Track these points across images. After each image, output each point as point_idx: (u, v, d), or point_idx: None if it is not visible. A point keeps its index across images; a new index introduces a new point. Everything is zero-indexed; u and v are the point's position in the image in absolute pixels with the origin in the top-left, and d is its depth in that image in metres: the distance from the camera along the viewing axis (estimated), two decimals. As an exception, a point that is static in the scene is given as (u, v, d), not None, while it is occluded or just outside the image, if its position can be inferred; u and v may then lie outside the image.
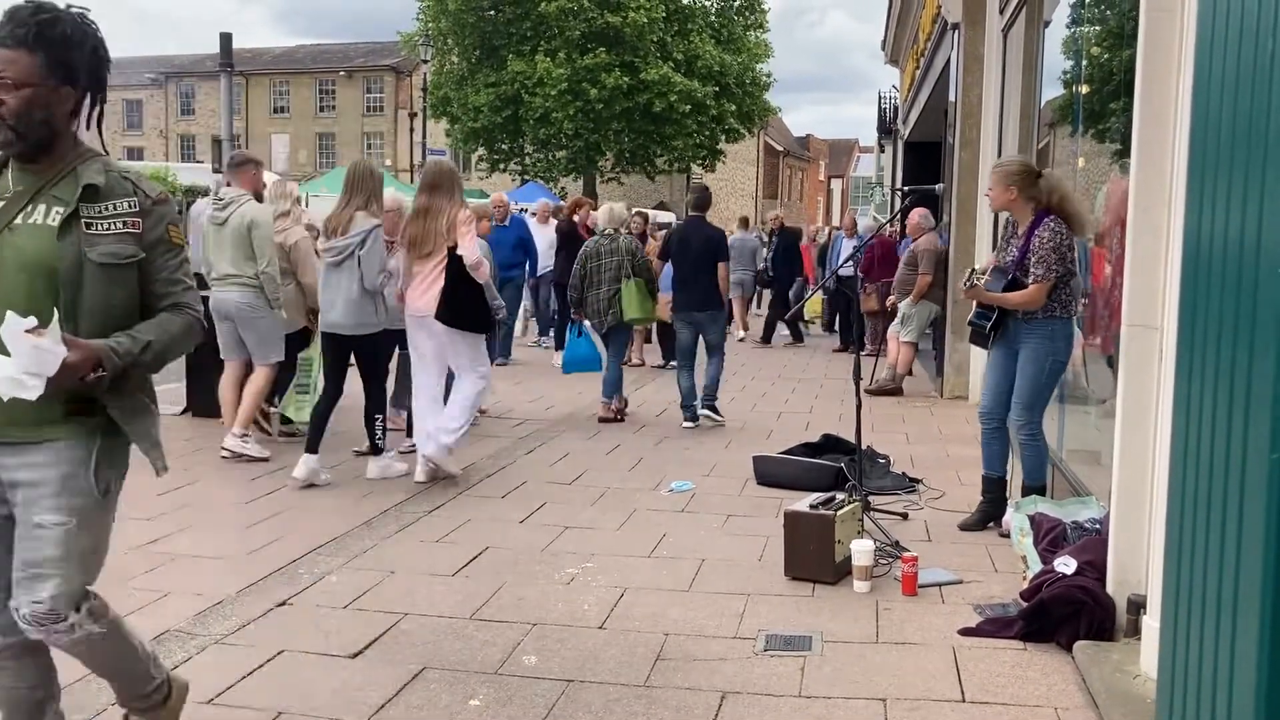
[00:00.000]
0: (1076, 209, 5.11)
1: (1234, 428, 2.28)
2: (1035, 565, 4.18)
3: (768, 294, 16.60)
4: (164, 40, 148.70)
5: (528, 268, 12.12)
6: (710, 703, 3.36)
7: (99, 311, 2.45)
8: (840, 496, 4.77)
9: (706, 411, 8.33)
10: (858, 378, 5.54)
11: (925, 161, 17.29)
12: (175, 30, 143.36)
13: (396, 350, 7.13)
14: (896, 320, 10.42)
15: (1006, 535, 4.99)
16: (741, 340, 14.80)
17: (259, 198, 6.93)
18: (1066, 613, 3.77)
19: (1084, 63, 6.23)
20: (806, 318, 16.67)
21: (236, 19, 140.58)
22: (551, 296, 13.09)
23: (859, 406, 5.54)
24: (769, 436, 7.84)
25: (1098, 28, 6.09)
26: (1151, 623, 3.37)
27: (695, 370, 8.40)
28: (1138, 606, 3.62)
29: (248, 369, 6.85)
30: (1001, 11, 8.84)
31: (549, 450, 7.20)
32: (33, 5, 2.39)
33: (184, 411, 7.97)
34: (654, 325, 11.39)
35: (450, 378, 6.46)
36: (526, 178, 36.09)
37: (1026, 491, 5.09)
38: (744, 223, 17.49)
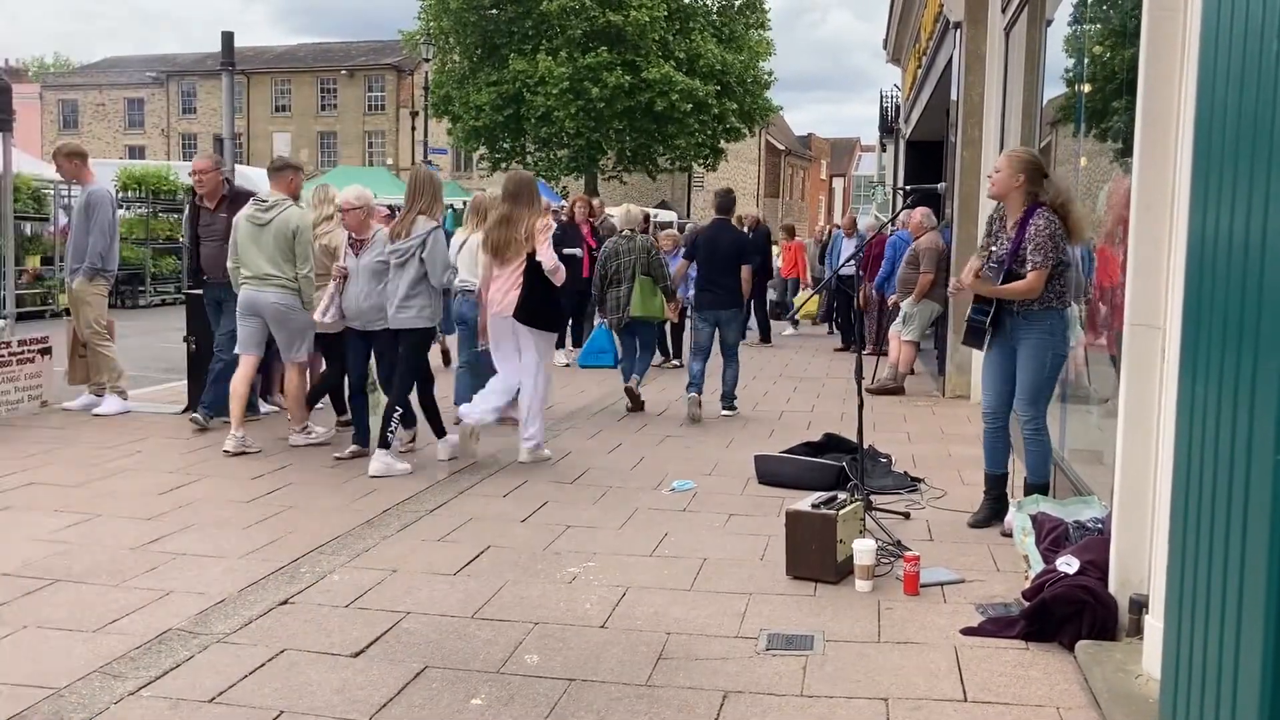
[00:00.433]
0: (1078, 217, 5.11)
1: (1238, 428, 2.28)
2: (1037, 565, 4.18)
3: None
4: (165, 39, 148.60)
5: None
6: (712, 702, 3.35)
7: None
8: (842, 496, 4.76)
9: (725, 413, 8.67)
10: (859, 377, 5.54)
11: (927, 160, 17.30)
12: (176, 29, 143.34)
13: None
14: (898, 319, 10.42)
15: (1009, 535, 4.99)
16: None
17: (295, 201, 7.16)
18: (1069, 612, 3.77)
19: (1086, 61, 6.23)
20: (798, 316, 16.68)
21: (238, 18, 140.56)
22: None
23: (861, 406, 5.53)
24: (771, 436, 7.84)
25: (1100, 26, 6.09)
26: (1154, 622, 3.37)
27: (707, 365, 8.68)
28: (1140, 606, 3.61)
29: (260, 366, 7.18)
30: (1004, 10, 8.83)
31: (550, 449, 7.20)
32: None
33: (185, 410, 7.97)
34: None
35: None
36: (528, 177, 36.00)
37: (1030, 489, 5.09)
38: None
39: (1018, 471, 5.39)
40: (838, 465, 6.23)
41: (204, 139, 53.25)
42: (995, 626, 3.96)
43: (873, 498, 5.35)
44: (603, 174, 37.94)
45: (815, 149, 72.79)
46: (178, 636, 3.80)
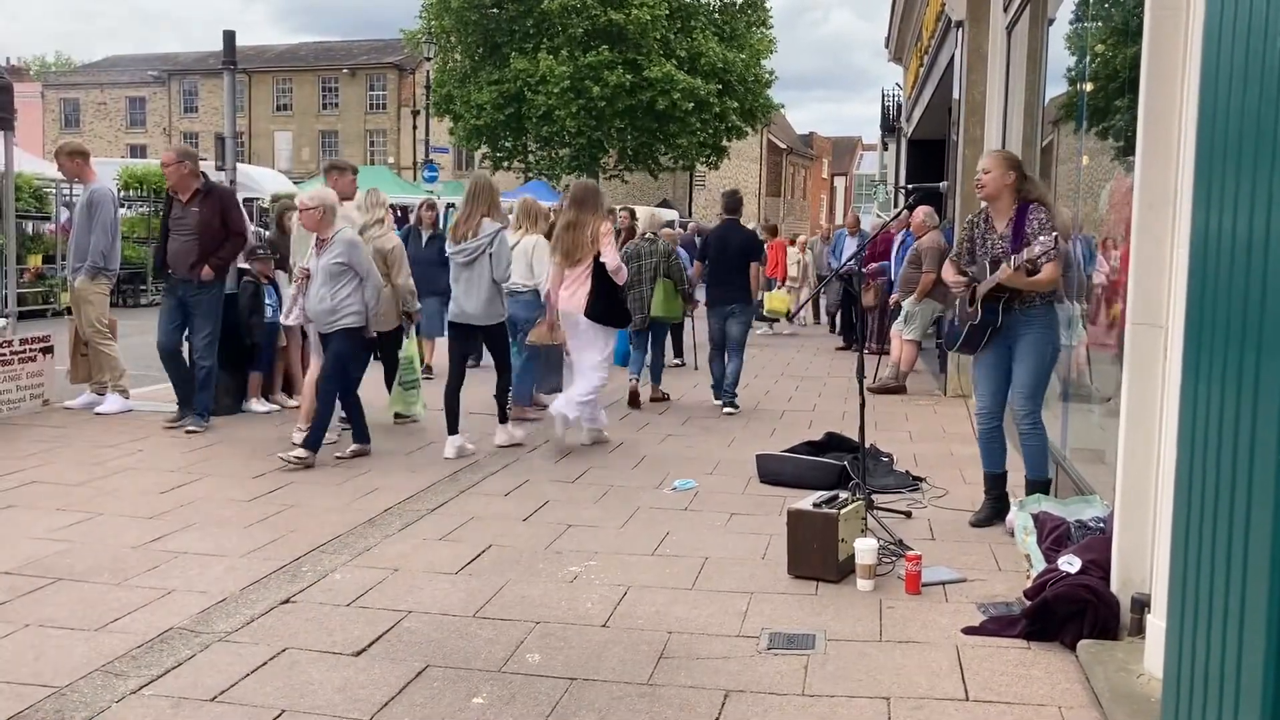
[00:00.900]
0: (1062, 218, 5.15)
1: (1241, 427, 2.27)
2: (1039, 564, 4.17)
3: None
4: (165, 39, 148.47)
5: None
6: (714, 701, 3.35)
7: None
8: (844, 495, 4.76)
9: (727, 410, 8.84)
10: (861, 376, 5.54)
11: (929, 159, 17.28)
12: (176, 29, 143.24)
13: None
14: (900, 318, 10.41)
15: (1011, 534, 4.98)
16: None
17: (349, 200, 7.35)
18: (1070, 612, 3.76)
19: (1088, 60, 6.22)
20: (765, 312, 16.62)
21: (239, 18, 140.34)
22: None
23: (862, 405, 5.54)
24: (772, 435, 7.84)
25: (1102, 24, 6.07)
26: (1156, 622, 3.36)
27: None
28: (1142, 605, 3.61)
29: None
30: (1005, 9, 8.82)
31: (552, 448, 7.20)
32: None
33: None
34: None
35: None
36: (530, 175, 36.10)
37: (1031, 487, 5.09)
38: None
39: (1015, 469, 5.39)
40: (839, 464, 6.23)
41: (205, 138, 53.20)
42: (997, 626, 3.96)
43: (874, 497, 5.34)
44: (604, 173, 37.91)
45: (817, 148, 72.75)
46: (179, 635, 3.80)
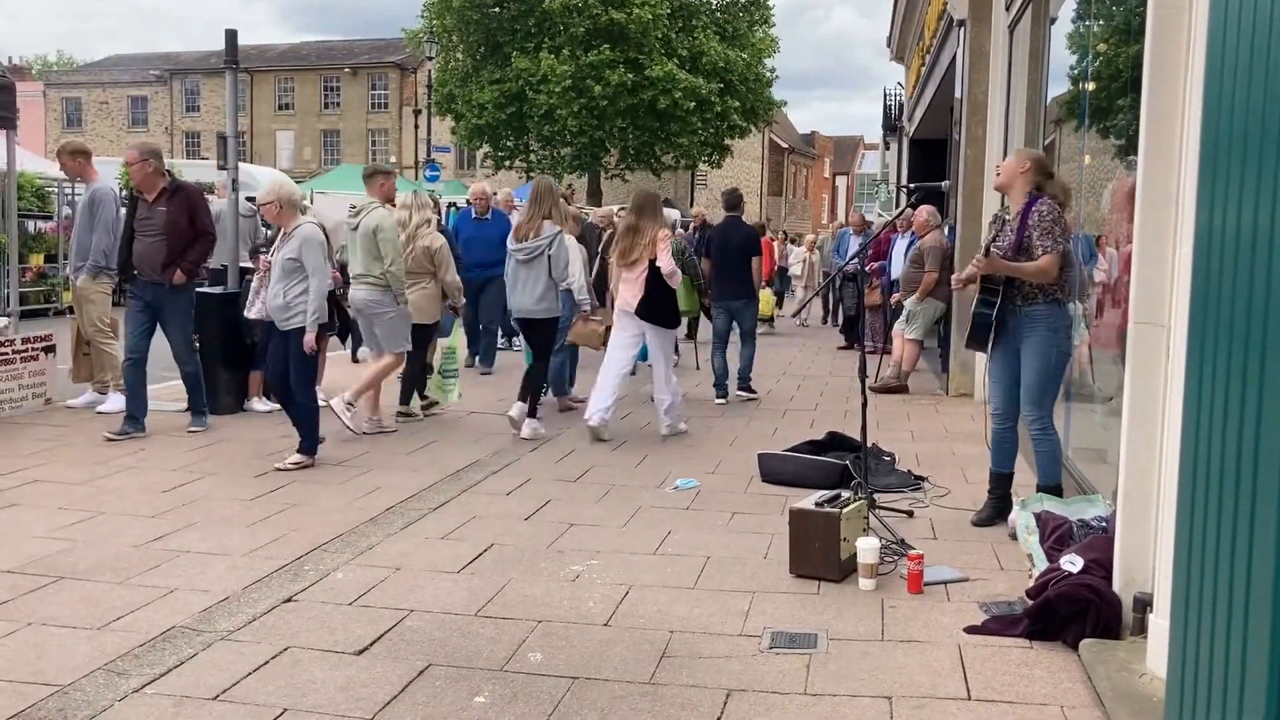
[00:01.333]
0: (1070, 208, 5.13)
1: (1245, 427, 2.27)
2: (1041, 563, 4.17)
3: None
4: (166, 39, 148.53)
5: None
6: (716, 700, 3.35)
7: None
8: (845, 494, 4.75)
9: (741, 391, 9.42)
10: (863, 375, 5.53)
11: (931, 158, 17.27)
12: (176, 29, 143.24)
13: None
14: (902, 317, 10.41)
15: (1012, 533, 4.97)
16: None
17: (391, 203, 7.69)
18: (1072, 611, 3.76)
19: (1090, 58, 6.21)
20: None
21: (239, 17, 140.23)
22: None
23: (864, 404, 5.53)
24: (774, 434, 7.83)
25: (1104, 23, 6.07)
26: (1158, 621, 3.36)
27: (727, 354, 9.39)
28: (1144, 605, 3.61)
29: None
30: (1008, 8, 8.81)
31: (553, 447, 7.20)
32: None
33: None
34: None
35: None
36: (532, 174, 36.06)
37: (1040, 491, 5.06)
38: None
39: (1022, 470, 5.38)
40: (841, 464, 6.22)
41: (207, 137, 53.26)
42: (999, 625, 3.95)
43: (876, 496, 5.34)
44: (606, 172, 37.89)
45: (819, 147, 72.68)
46: (181, 634, 3.80)
